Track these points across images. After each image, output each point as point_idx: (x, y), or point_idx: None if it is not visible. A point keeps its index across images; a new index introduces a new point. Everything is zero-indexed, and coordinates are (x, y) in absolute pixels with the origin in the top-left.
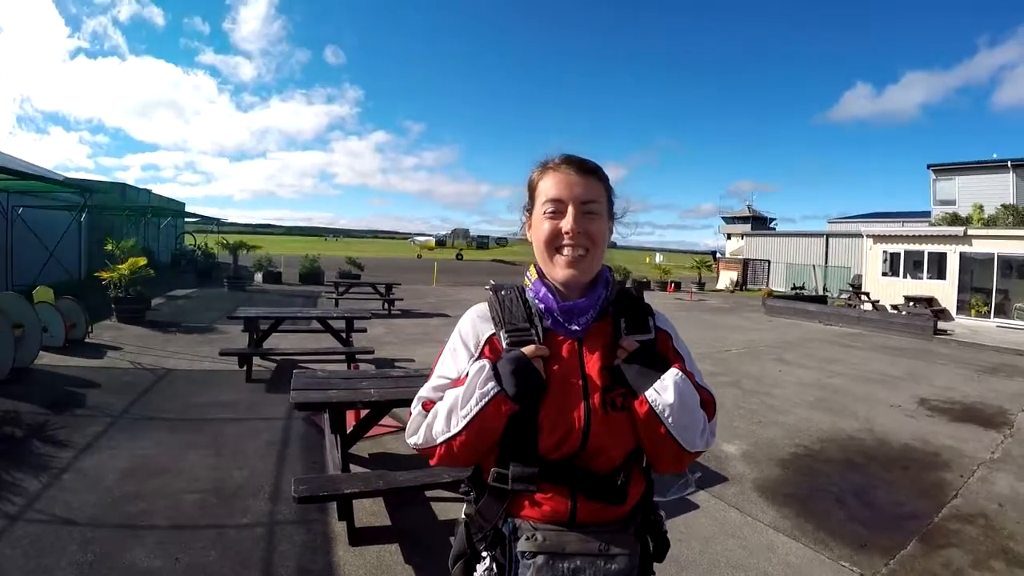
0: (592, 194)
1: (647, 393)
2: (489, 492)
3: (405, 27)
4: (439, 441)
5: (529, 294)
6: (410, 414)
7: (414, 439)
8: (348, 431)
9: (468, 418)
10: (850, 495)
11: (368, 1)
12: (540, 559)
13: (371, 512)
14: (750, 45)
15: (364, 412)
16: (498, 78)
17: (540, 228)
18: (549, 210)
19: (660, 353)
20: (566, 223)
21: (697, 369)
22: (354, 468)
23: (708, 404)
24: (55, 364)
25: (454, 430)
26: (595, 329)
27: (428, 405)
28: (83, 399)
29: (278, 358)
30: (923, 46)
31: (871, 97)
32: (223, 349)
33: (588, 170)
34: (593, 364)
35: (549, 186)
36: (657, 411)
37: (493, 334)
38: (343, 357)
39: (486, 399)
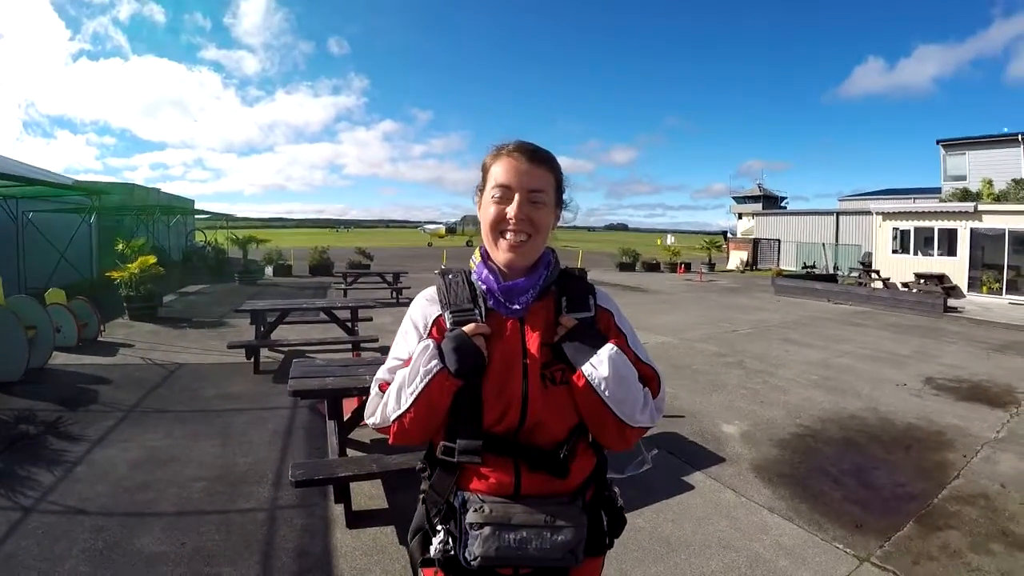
0: (540, 183)
1: (583, 367)
2: (440, 466)
3: (408, 14)
4: (392, 419)
5: (473, 276)
6: (368, 396)
7: (372, 419)
8: (347, 417)
9: (415, 395)
10: (848, 476)
11: None
12: (487, 530)
13: (369, 496)
14: (759, 20)
15: (363, 398)
16: (505, 61)
17: (487, 211)
18: (497, 195)
19: (600, 330)
20: (511, 209)
21: (640, 346)
22: (354, 453)
23: (652, 380)
24: (69, 363)
25: (404, 407)
26: (536, 308)
27: (384, 386)
28: (96, 395)
29: (285, 349)
30: (937, 18)
31: (883, 71)
32: (231, 342)
33: (538, 159)
34: (534, 341)
35: (499, 171)
36: (593, 384)
37: (440, 315)
38: (349, 346)
39: (430, 376)
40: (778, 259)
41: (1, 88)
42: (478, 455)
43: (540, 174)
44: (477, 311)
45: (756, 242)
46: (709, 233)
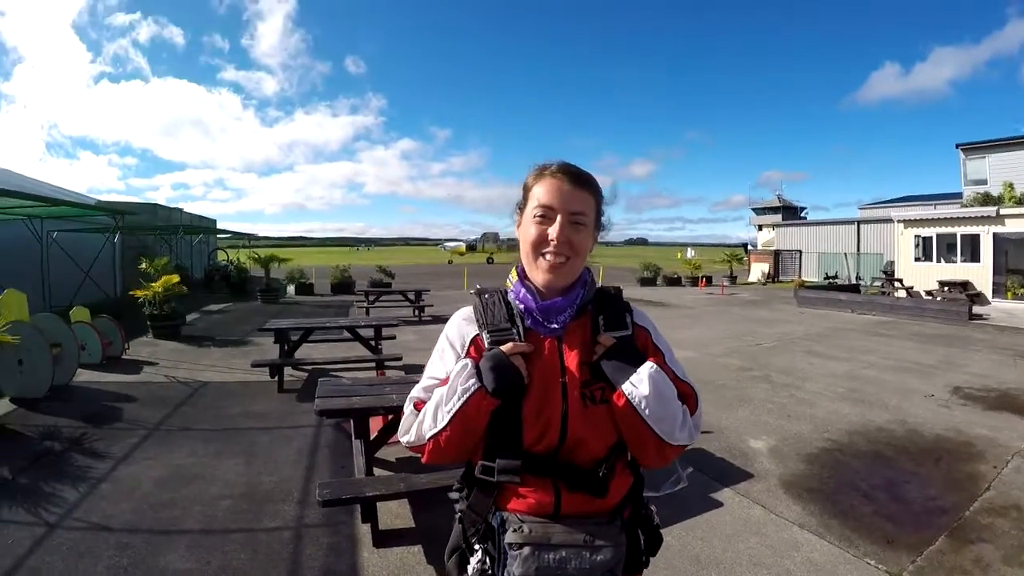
0: (581, 206)
1: (623, 386)
2: (477, 486)
3: (424, 33)
4: (427, 437)
5: (510, 296)
6: (403, 414)
7: (406, 438)
8: (372, 436)
9: (451, 413)
10: (878, 490)
11: (385, 10)
12: (526, 550)
13: (396, 514)
14: (773, 32)
15: (391, 417)
16: (523, 79)
17: (528, 231)
18: (539, 215)
19: (638, 348)
20: (553, 231)
21: (678, 364)
22: (380, 472)
23: (689, 397)
24: (93, 380)
25: (440, 425)
26: (574, 327)
27: (419, 405)
28: (120, 413)
29: (309, 368)
30: (952, 20)
31: (899, 76)
32: (255, 361)
33: (581, 182)
34: (572, 360)
35: (542, 192)
36: (634, 403)
37: (477, 335)
38: (373, 364)
39: (467, 394)
40: (800, 270)
41: (25, 110)
42: (517, 475)
43: (582, 197)
44: (515, 330)
45: (777, 254)
46: (729, 245)
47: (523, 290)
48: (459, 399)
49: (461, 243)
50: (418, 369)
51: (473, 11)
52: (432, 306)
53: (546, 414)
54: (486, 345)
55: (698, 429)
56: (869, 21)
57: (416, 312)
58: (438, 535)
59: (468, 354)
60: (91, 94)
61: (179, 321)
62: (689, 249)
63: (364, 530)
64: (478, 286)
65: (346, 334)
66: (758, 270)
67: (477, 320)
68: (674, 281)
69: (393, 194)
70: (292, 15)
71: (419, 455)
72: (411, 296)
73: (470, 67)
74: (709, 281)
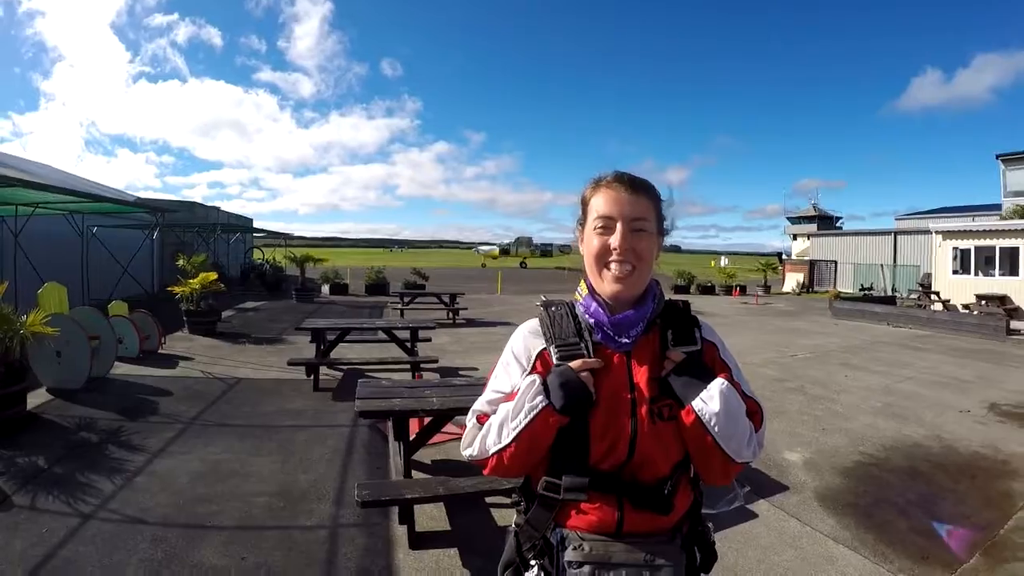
0: (641, 211)
1: (693, 403)
2: (538, 502)
3: (461, 36)
4: (491, 452)
5: (579, 309)
6: (465, 427)
7: (468, 451)
8: (411, 438)
9: (518, 430)
10: (913, 505)
11: (421, 12)
12: (587, 568)
13: (431, 517)
14: (813, 34)
15: (427, 420)
16: (557, 84)
17: (590, 243)
18: (599, 226)
19: (707, 364)
20: (615, 240)
21: (744, 379)
22: (416, 474)
23: (755, 414)
24: (130, 374)
25: (505, 441)
26: (643, 342)
27: (482, 418)
28: (156, 406)
29: (344, 368)
30: (995, 25)
31: (940, 83)
32: (291, 359)
33: (638, 188)
34: (641, 375)
35: (600, 203)
36: (704, 420)
37: (544, 349)
38: (408, 366)
39: (534, 412)
40: (835, 281)
41: (64, 107)
42: (584, 492)
43: (641, 203)
44: (583, 345)
45: (812, 263)
46: (763, 254)
47: (594, 304)
48: (526, 416)
49: (495, 247)
50: (453, 372)
51: (509, 16)
52: (466, 309)
53: (614, 431)
54: (554, 360)
55: (762, 447)
56: (912, 26)
57: (450, 315)
58: (473, 539)
59: (534, 369)
60: (129, 93)
61: (215, 318)
62: (723, 257)
63: (399, 532)
64: (544, 298)
65: (381, 335)
66: (793, 280)
67: (544, 333)
68: (708, 289)
69: (427, 196)
70: (328, 17)
71: (481, 467)
72: (445, 299)
73: (506, 71)
74: (743, 290)
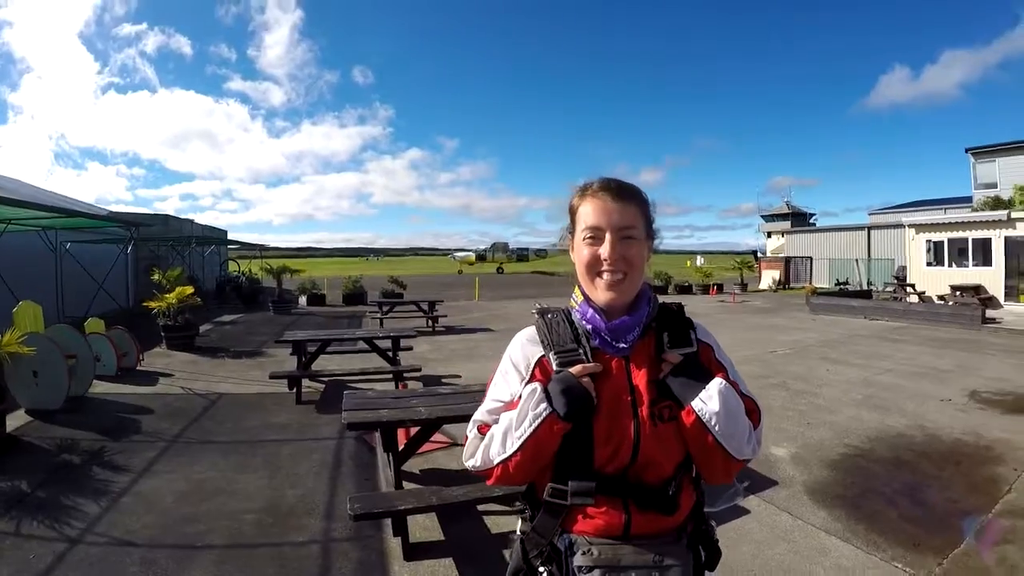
0: (629, 219)
1: (693, 403)
2: (544, 508)
3: (432, 43)
4: (496, 462)
5: (576, 315)
6: (466, 438)
7: (471, 462)
8: (400, 449)
9: (523, 439)
10: (901, 494)
11: (391, 20)
12: (596, 573)
13: (424, 527)
14: (782, 34)
15: (415, 429)
16: (530, 89)
17: (581, 253)
18: (588, 236)
19: (703, 365)
20: (604, 250)
21: (740, 378)
22: (407, 484)
23: (752, 412)
24: (109, 392)
25: (510, 451)
26: (640, 345)
27: (484, 428)
28: (138, 425)
29: (327, 379)
30: (962, 21)
31: (909, 80)
32: (273, 372)
33: (625, 195)
34: (640, 379)
35: (588, 213)
36: (704, 420)
37: (542, 356)
38: (391, 376)
39: (539, 420)
40: (811, 277)
41: (33, 120)
42: (591, 496)
43: (628, 210)
44: (582, 351)
45: (788, 260)
46: (738, 253)
47: (590, 310)
48: (530, 424)
49: (471, 253)
50: (437, 381)
51: (480, 22)
52: (446, 316)
53: (617, 434)
54: (553, 367)
55: (760, 444)
56: (879, 24)
57: (430, 323)
58: (468, 548)
59: (534, 376)
60: (99, 104)
61: (193, 332)
62: (699, 257)
63: (393, 544)
64: (539, 305)
65: (361, 345)
66: (769, 277)
67: (542, 341)
68: (685, 289)
69: (401, 204)
70: (299, 25)
71: (485, 477)
72: (424, 307)
73: (479, 77)
74: (720, 289)
